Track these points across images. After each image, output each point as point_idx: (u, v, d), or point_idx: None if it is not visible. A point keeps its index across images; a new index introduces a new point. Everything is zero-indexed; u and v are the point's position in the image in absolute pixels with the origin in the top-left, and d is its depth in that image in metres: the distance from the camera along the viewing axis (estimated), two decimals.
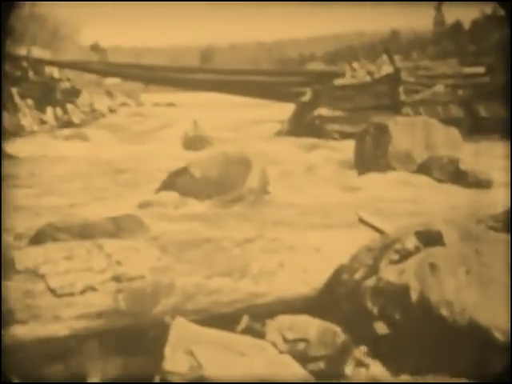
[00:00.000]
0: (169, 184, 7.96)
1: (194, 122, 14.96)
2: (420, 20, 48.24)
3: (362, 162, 10.07)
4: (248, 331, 3.22)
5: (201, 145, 13.78)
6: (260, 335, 3.14)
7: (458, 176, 8.84)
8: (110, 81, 30.96)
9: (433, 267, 3.15)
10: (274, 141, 15.17)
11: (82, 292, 4.36)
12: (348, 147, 11.04)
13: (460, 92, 16.52)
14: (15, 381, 3.01)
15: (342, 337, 3.17)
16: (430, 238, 3.37)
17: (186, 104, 28.89)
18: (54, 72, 22.03)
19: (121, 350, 3.37)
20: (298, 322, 3.24)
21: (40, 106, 19.62)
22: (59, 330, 3.79)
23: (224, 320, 3.45)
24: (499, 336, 2.86)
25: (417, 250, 3.35)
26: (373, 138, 10.03)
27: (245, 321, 3.36)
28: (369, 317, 3.19)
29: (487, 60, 17.73)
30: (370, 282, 3.28)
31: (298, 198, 8.11)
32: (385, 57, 17.65)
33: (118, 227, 5.80)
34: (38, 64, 21.18)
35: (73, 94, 22.89)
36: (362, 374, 3.03)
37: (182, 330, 2.91)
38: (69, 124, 20.09)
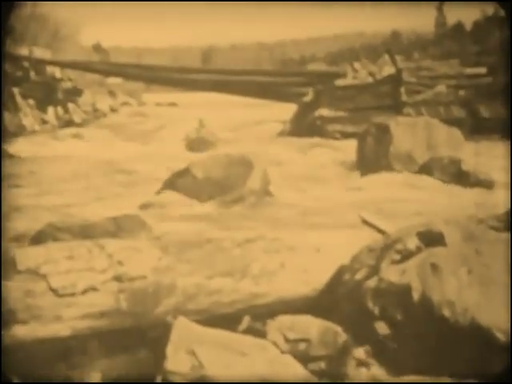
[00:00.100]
0: (170, 184, 7.97)
1: (200, 121, 14.91)
2: (421, 20, 48.09)
3: (364, 162, 10.06)
4: (249, 331, 3.22)
5: (204, 146, 13.73)
6: (261, 335, 3.15)
7: (459, 176, 8.82)
8: (112, 80, 30.97)
9: (434, 267, 3.15)
10: (275, 141, 15.16)
11: (84, 292, 4.35)
12: (349, 147, 11.03)
13: (461, 92, 16.51)
14: (15, 381, 3.02)
15: (343, 337, 3.17)
16: (431, 239, 3.37)
17: (187, 104, 28.90)
18: (56, 72, 22.06)
19: (122, 350, 3.37)
20: (299, 321, 3.24)
21: (41, 106, 19.63)
22: (60, 330, 3.79)
23: (225, 320, 3.45)
24: (500, 336, 2.86)
25: (418, 250, 3.35)
26: (374, 139, 10.02)
27: (246, 321, 3.36)
28: (370, 317, 3.19)
29: (488, 60, 17.75)
30: (372, 282, 3.28)
31: (299, 199, 8.10)
32: (386, 57, 17.63)
33: (119, 227, 5.80)
34: (39, 64, 21.19)
35: (74, 93, 22.93)
36: (363, 373, 3.03)
37: (183, 330, 2.92)
38: (70, 123, 20.11)
